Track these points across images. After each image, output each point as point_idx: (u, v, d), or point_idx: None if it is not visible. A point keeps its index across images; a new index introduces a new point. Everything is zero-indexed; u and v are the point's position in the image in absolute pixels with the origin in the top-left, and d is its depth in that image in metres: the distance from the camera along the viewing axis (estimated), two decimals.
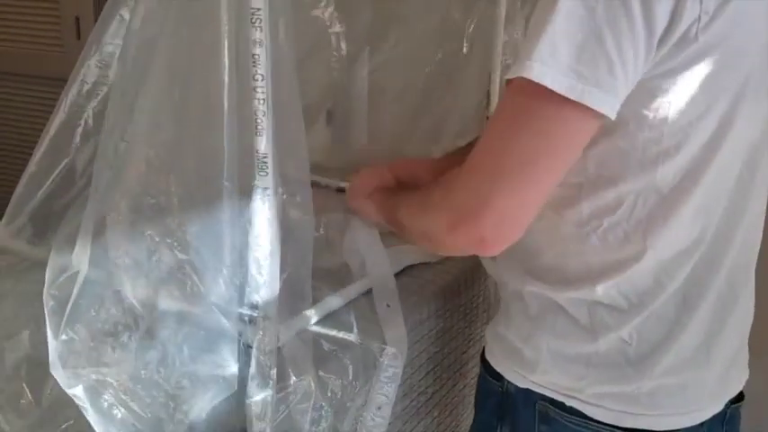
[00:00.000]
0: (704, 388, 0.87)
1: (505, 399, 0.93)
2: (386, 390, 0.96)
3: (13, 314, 0.95)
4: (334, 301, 1.02)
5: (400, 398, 1.00)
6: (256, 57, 0.76)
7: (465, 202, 0.75)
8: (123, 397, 0.81)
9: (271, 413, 0.84)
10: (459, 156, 1.21)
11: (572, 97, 0.68)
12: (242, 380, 0.85)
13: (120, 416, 0.81)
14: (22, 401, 0.89)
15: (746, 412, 0.95)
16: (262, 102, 0.77)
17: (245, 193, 0.81)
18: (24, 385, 0.90)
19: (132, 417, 0.81)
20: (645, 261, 0.80)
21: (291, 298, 0.91)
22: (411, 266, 1.18)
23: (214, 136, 0.80)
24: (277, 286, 0.84)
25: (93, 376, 0.81)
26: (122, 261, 0.84)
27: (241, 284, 0.85)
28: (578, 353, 0.86)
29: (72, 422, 0.86)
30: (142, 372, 0.82)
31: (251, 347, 0.84)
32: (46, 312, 0.82)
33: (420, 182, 1.26)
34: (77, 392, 0.80)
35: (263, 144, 0.79)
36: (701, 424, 0.87)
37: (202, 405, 0.84)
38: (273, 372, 0.84)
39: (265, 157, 0.79)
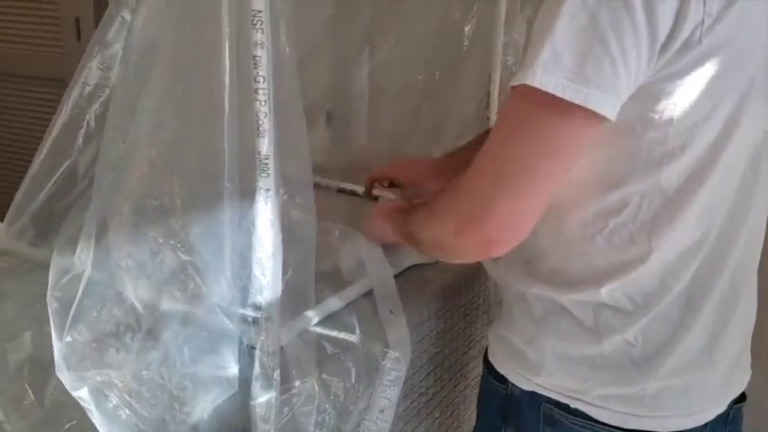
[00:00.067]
0: (708, 389, 0.87)
1: (510, 401, 0.93)
2: (389, 393, 0.96)
3: (15, 315, 0.95)
4: (335, 303, 1.02)
5: (401, 399, 1.00)
6: (258, 58, 0.76)
7: (470, 207, 0.76)
8: (128, 398, 0.81)
9: (275, 415, 0.84)
10: (459, 155, 1.22)
11: (576, 102, 0.69)
12: (244, 381, 0.85)
13: (124, 417, 0.81)
14: (24, 402, 0.89)
15: (747, 413, 0.95)
16: (263, 103, 0.77)
17: (247, 194, 0.81)
18: (27, 386, 0.90)
19: (136, 417, 0.81)
20: (650, 262, 0.80)
21: (294, 299, 0.91)
22: (411, 267, 1.18)
23: (215, 137, 0.80)
24: (279, 287, 0.84)
25: (98, 378, 0.81)
26: (125, 262, 0.84)
27: (244, 285, 0.85)
28: (583, 355, 0.86)
29: (75, 422, 0.87)
30: (145, 373, 0.82)
31: (254, 348, 0.84)
32: (50, 314, 0.82)
33: (420, 182, 1.27)
34: (83, 395, 0.80)
35: (266, 145, 0.79)
36: (705, 425, 0.87)
37: (204, 406, 0.84)
38: (276, 373, 0.84)
39: (267, 159, 0.79)
